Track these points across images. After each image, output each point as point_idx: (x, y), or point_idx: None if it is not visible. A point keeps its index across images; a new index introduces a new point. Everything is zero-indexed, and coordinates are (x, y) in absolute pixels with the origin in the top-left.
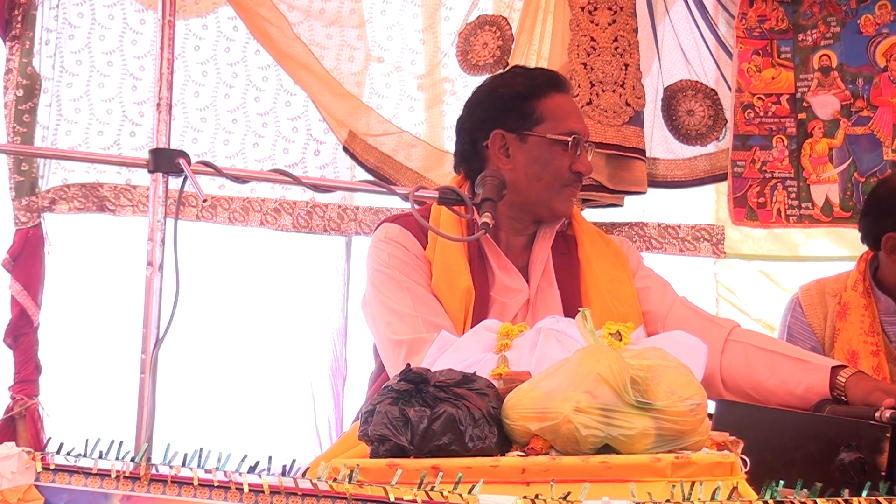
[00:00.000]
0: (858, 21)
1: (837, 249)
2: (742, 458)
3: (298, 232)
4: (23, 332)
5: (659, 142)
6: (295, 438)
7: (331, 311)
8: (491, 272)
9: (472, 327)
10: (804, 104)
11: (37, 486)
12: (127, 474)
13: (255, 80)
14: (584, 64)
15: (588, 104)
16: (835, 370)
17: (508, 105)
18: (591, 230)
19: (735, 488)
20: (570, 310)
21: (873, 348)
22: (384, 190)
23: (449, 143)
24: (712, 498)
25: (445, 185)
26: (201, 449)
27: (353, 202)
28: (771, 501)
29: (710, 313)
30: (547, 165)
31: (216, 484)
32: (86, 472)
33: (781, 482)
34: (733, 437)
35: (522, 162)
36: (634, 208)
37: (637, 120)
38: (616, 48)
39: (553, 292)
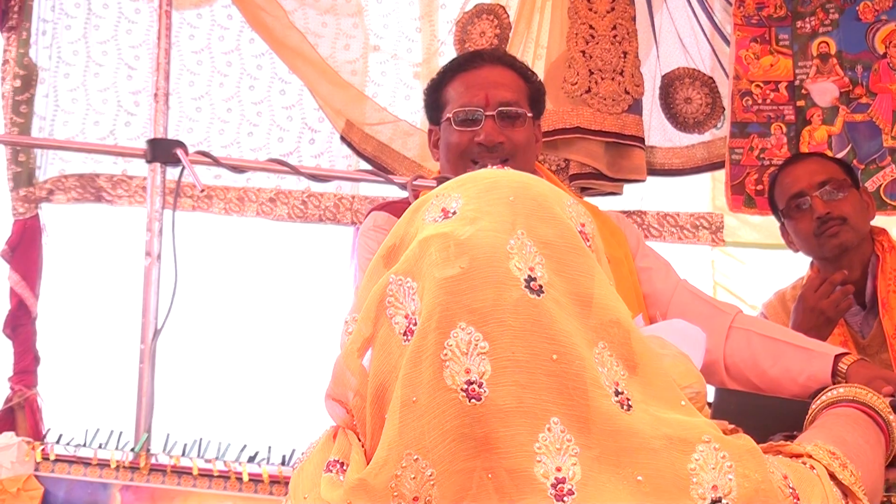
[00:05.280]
0: (857, 8)
1: None
2: None
3: (294, 222)
4: (21, 323)
5: (657, 130)
6: (294, 427)
7: (339, 299)
8: None
9: None
10: (803, 91)
11: (36, 476)
12: (126, 464)
13: (249, 69)
14: (583, 52)
15: (587, 92)
16: (837, 358)
17: (430, 100)
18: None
19: None
20: None
21: (841, 339)
22: (383, 179)
23: None
24: None
25: (444, 174)
26: (200, 439)
27: (349, 191)
28: None
29: (713, 298)
30: (448, 146)
31: (216, 473)
32: (85, 462)
33: None
34: (732, 426)
35: (441, 150)
36: (633, 196)
37: (636, 108)
38: (615, 36)
39: None
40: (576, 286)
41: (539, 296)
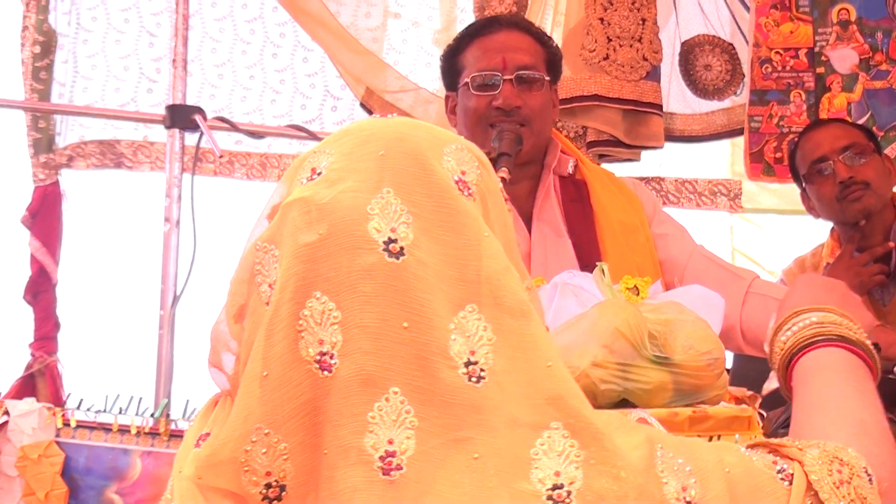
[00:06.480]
0: None
1: None
2: (759, 413)
3: None
4: (42, 289)
5: (676, 96)
6: None
7: None
8: None
9: None
10: (822, 58)
11: (57, 443)
12: (147, 430)
13: (272, 37)
14: (601, 19)
15: (605, 59)
16: None
17: (447, 66)
18: (601, 174)
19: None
20: (586, 259)
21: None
22: None
23: None
24: None
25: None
26: None
27: None
28: None
29: (729, 264)
30: (466, 111)
31: None
32: (106, 428)
33: None
34: (751, 392)
35: (458, 116)
36: (651, 163)
37: (654, 75)
38: (633, 3)
39: (563, 242)
40: (445, 245)
41: (398, 259)
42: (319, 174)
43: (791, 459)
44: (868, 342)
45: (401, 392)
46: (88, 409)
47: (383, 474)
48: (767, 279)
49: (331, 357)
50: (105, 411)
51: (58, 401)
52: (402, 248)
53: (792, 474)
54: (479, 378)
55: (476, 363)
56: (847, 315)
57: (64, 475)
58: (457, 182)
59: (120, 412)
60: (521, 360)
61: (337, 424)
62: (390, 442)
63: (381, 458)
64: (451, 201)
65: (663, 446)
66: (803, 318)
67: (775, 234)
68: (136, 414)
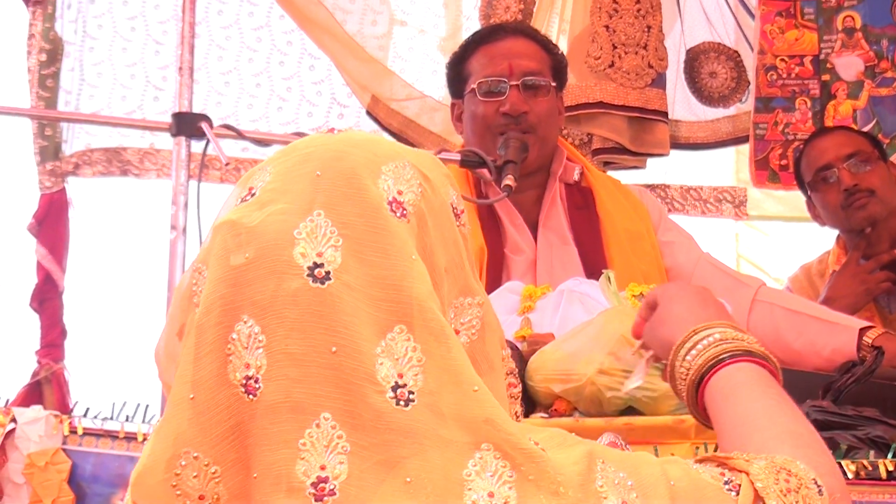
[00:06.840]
0: None
1: None
2: None
3: None
4: (48, 297)
5: (681, 104)
6: None
7: None
8: (503, 230)
9: (486, 287)
10: (828, 65)
11: (64, 450)
12: None
13: (279, 45)
14: (607, 26)
15: (610, 66)
16: (862, 331)
17: (453, 74)
18: (607, 181)
19: None
20: (592, 266)
21: (868, 313)
22: None
23: None
24: None
25: (469, 147)
26: None
27: None
28: None
29: (735, 271)
30: (474, 118)
31: None
32: (113, 436)
33: None
34: None
35: (465, 123)
36: (656, 170)
37: (660, 82)
38: (638, 10)
39: (569, 249)
40: (373, 267)
41: (324, 284)
42: (253, 194)
43: (739, 471)
44: (768, 352)
45: (332, 417)
46: (95, 417)
47: (316, 500)
48: (773, 286)
49: (255, 381)
50: (112, 419)
51: (64, 408)
52: (327, 273)
53: (739, 485)
54: (408, 401)
55: (405, 386)
56: (740, 328)
57: (71, 482)
58: (390, 203)
59: (127, 420)
60: (449, 382)
61: (266, 449)
62: (322, 468)
63: (314, 485)
64: (381, 222)
65: (605, 461)
66: (705, 336)
67: (781, 242)
68: (143, 421)
